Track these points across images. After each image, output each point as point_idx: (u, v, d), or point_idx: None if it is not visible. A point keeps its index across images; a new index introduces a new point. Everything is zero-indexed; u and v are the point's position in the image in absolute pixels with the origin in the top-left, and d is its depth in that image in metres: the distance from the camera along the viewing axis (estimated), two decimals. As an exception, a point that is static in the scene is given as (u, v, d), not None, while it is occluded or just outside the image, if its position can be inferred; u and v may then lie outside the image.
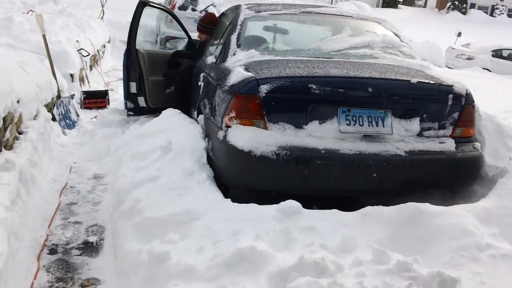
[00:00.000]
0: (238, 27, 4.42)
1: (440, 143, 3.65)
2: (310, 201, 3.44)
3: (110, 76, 10.27)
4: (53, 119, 5.74)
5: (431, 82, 3.72)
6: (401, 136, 3.58)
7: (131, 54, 5.67)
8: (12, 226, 3.07)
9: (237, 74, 3.64)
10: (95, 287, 2.89)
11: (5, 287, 2.62)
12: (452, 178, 3.64)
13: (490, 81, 11.16)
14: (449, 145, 3.65)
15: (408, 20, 32.75)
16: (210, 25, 5.67)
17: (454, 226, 2.85)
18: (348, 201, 3.84)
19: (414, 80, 3.64)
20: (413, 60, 4.24)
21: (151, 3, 5.87)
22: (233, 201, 3.17)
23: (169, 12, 6.54)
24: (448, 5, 40.48)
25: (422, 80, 3.69)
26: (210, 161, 3.72)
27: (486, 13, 40.73)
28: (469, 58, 17.67)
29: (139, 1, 5.68)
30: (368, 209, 3.09)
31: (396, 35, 4.63)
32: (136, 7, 5.65)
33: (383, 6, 40.97)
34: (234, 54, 4.12)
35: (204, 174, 3.50)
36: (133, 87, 5.75)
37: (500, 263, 2.59)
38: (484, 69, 16.59)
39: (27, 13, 10.08)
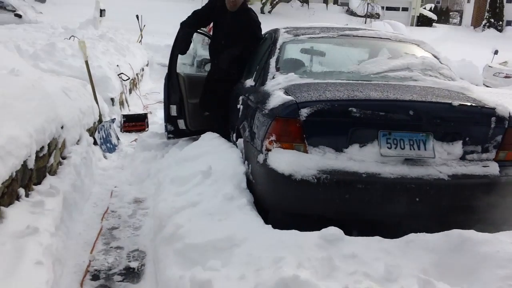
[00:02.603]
0: (277, 50, 4.45)
1: (483, 166, 3.56)
2: (351, 227, 3.39)
3: (148, 98, 10.46)
4: (95, 143, 5.86)
5: (473, 104, 3.65)
6: (443, 160, 3.51)
7: (172, 78, 5.76)
8: (56, 252, 3.12)
9: (277, 97, 3.65)
10: (138, 313, 2.90)
11: (50, 313, 2.66)
12: (497, 203, 3.53)
13: (531, 100, 10.86)
14: (493, 168, 3.55)
15: (443, 38, 32.39)
16: None
17: (500, 254, 2.76)
18: (391, 227, 3.76)
19: (455, 103, 3.58)
20: (453, 82, 4.18)
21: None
22: (273, 225, 3.15)
23: (207, 36, 6.62)
24: (483, 22, 39.84)
25: (464, 103, 3.62)
26: (250, 185, 3.73)
27: (523, 29, 39.94)
28: (507, 76, 17.28)
29: (180, 24, 5.75)
30: (412, 236, 3.03)
31: (435, 57, 4.57)
32: (178, 31, 5.73)
33: (417, 25, 40.63)
34: (273, 78, 4.14)
35: (245, 199, 3.50)
36: (174, 110, 5.82)
37: (550, 293, 2.49)
38: (523, 87, 16.18)
39: (69, 38, 10.40)
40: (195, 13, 5.74)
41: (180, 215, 3.43)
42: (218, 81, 5.47)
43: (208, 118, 5.86)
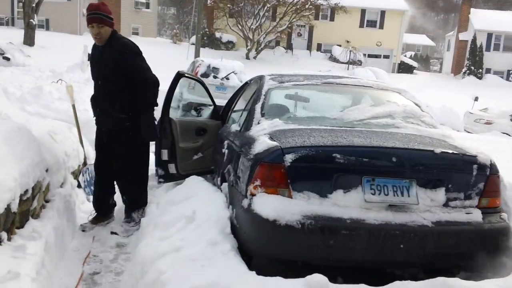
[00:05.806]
0: (262, 96, 4.52)
1: (466, 213, 3.60)
2: (336, 273, 3.38)
3: (133, 141, 10.44)
4: (78, 185, 5.82)
5: (454, 152, 3.73)
6: (427, 206, 3.55)
7: (164, 123, 5.79)
8: (37, 298, 3.07)
9: (262, 143, 3.69)
10: None
11: None
12: (480, 250, 3.56)
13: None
14: (476, 215, 3.60)
15: (424, 85, 33.10)
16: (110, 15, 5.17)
17: (485, 302, 2.78)
18: (375, 273, 3.76)
19: (437, 150, 3.65)
20: (435, 129, 4.27)
21: (186, 74, 6.07)
22: (257, 272, 3.13)
23: (200, 82, 6.72)
24: (463, 70, 40.91)
25: (446, 150, 3.70)
26: (234, 229, 3.71)
27: (502, 77, 41.07)
28: (488, 123, 17.64)
29: (177, 72, 5.84)
30: (397, 284, 3.03)
31: (416, 105, 4.68)
32: (174, 78, 5.80)
33: (398, 72, 41.57)
34: (258, 123, 4.20)
35: (228, 244, 3.48)
36: (165, 155, 5.82)
37: None
38: (503, 133, 16.51)
39: (56, 82, 10.46)
40: None
41: (162, 261, 3.39)
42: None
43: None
